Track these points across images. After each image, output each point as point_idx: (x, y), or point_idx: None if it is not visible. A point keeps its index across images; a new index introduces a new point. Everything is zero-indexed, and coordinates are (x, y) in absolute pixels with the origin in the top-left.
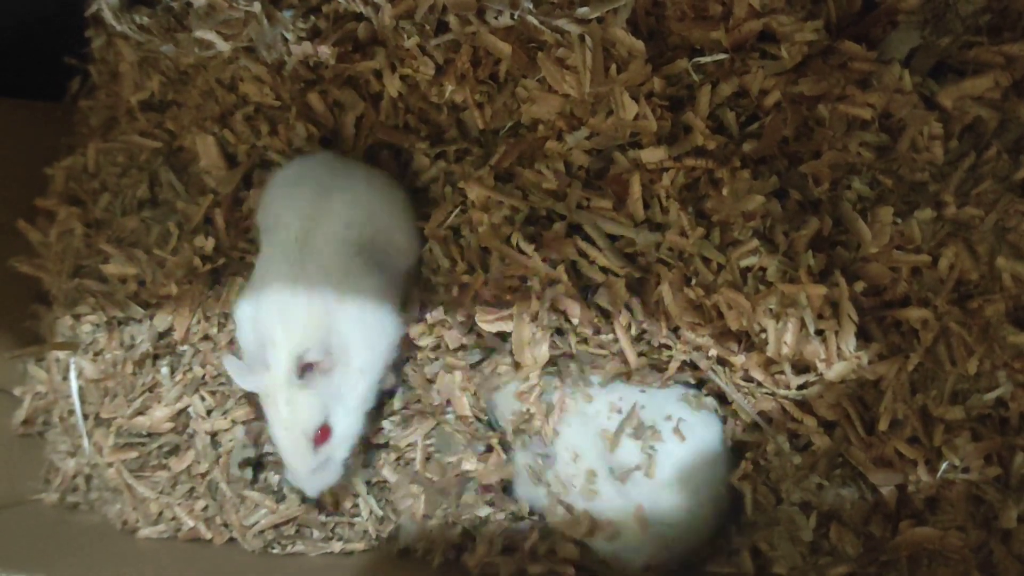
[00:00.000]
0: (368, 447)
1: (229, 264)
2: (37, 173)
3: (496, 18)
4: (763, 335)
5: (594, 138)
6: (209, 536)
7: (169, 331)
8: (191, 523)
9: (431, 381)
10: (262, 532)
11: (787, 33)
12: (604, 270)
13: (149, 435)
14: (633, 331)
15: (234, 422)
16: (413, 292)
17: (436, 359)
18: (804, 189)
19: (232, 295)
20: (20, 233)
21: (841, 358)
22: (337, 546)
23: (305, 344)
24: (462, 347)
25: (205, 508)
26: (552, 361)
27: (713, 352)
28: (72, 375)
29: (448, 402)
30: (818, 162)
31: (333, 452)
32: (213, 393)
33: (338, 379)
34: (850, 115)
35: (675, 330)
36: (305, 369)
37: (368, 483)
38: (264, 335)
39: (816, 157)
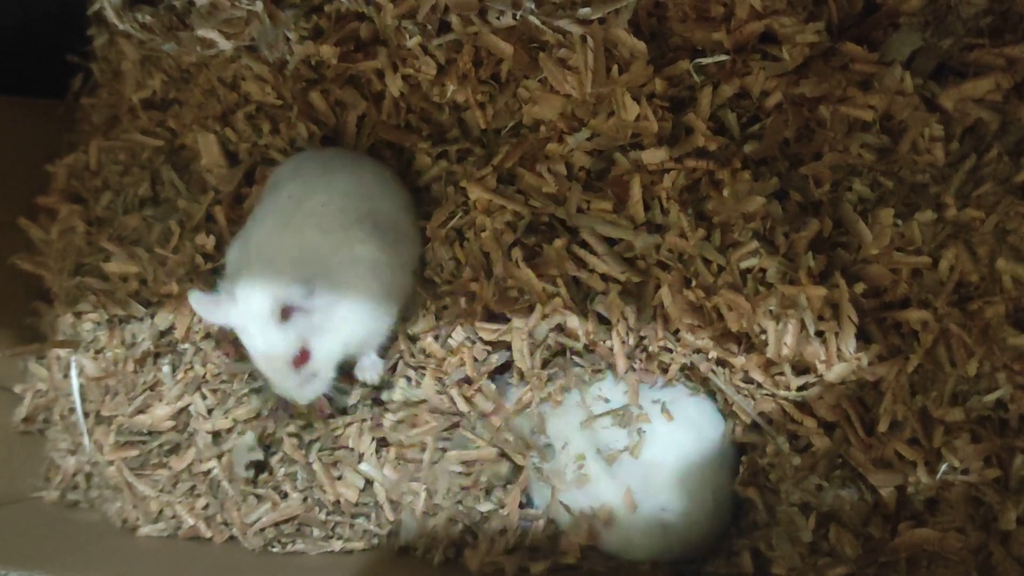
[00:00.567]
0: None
1: None
2: (39, 171)
3: (498, 18)
4: (763, 336)
5: (595, 139)
6: (209, 534)
7: (170, 329)
8: (191, 521)
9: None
10: (263, 530)
11: (788, 34)
12: (604, 278)
13: (150, 433)
14: (631, 340)
15: (235, 420)
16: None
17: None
18: (805, 190)
19: None
20: (21, 231)
21: (841, 359)
22: (337, 545)
23: (289, 293)
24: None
25: (206, 507)
26: (553, 363)
27: (713, 354)
28: (73, 373)
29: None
30: (819, 163)
31: (316, 369)
32: (214, 392)
33: (319, 319)
34: (851, 117)
35: (675, 333)
36: (287, 313)
37: (368, 482)
38: (248, 274)
39: (817, 158)
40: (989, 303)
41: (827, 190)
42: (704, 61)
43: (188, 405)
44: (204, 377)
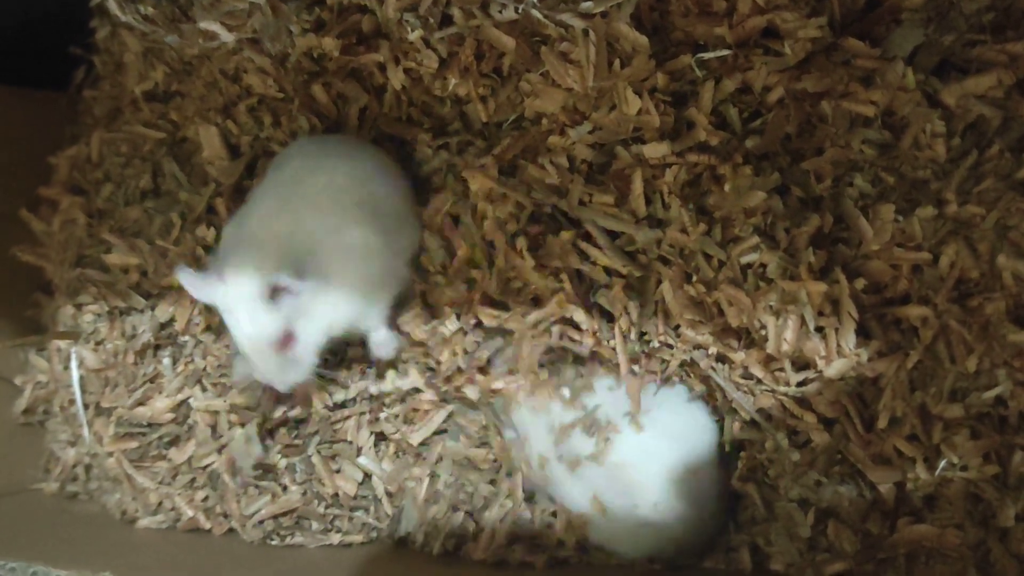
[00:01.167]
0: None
1: None
2: (41, 162)
3: (500, 12)
4: (763, 332)
5: (597, 132)
6: (208, 526)
7: (171, 322)
8: (190, 513)
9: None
10: (261, 523)
11: (791, 30)
12: (608, 271)
13: (149, 425)
14: (633, 334)
15: (234, 411)
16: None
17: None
18: (806, 186)
19: None
20: (23, 222)
21: (841, 355)
22: (336, 538)
23: (279, 274)
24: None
25: (205, 499)
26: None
27: (713, 350)
28: (73, 364)
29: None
30: (820, 159)
31: (298, 354)
32: (215, 384)
33: (307, 301)
34: (853, 112)
35: (675, 328)
36: (275, 292)
37: (367, 475)
38: (239, 254)
39: (818, 154)
40: (989, 299)
41: (828, 185)
42: (706, 56)
43: (188, 397)
44: (204, 369)
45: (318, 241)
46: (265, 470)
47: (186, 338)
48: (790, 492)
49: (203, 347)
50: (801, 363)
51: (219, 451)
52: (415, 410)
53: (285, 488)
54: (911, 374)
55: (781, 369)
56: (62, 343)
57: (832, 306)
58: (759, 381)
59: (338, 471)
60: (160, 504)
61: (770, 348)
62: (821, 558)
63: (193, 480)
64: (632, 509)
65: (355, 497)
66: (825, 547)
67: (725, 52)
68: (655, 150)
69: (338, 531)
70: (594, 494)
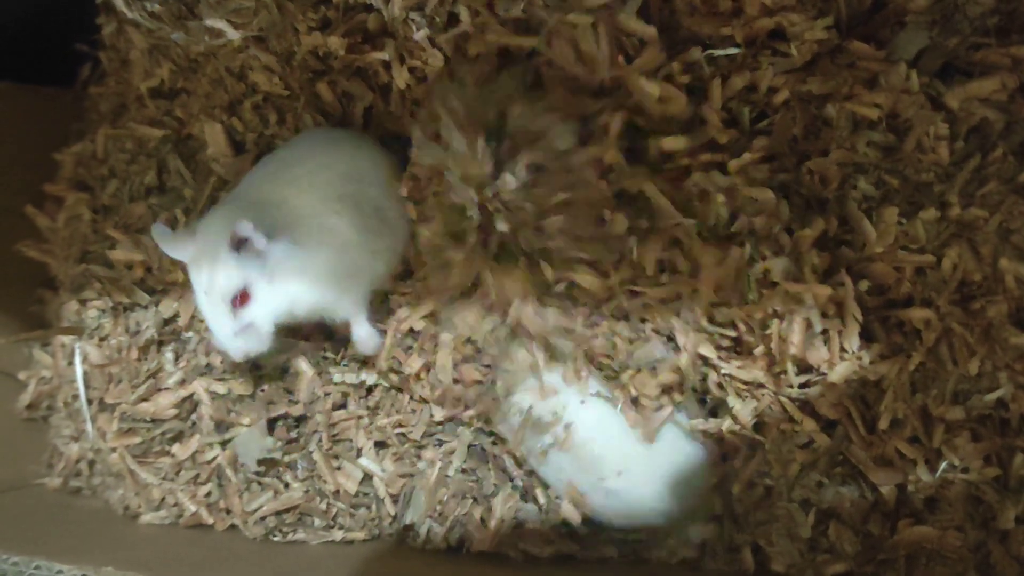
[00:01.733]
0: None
1: None
2: (46, 158)
3: (506, 10)
4: (767, 334)
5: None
6: (211, 521)
7: (174, 318)
8: (193, 509)
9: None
10: (264, 519)
11: (797, 32)
12: None
13: (153, 421)
14: None
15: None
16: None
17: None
18: (811, 188)
19: None
20: (28, 218)
21: (844, 358)
22: (338, 534)
23: (246, 226)
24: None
25: (208, 494)
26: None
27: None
28: (77, 360)
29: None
30: (825, 160)
31: (254, 318)
32: (218, 380)
33: (271, 263)
34: (857, 114)
35: None
36: (240, 244)
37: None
38: (214, 211)
39: (824, 156)
40: (991, 302)
41: (834, 188)
42: (716, 52)
43: (191, 394)
44: (207, 366)
45: (297, 217)
46: (268, 466)
47: (190, 334)
48: (792, 493)
49: (206, 343)
50: (804, 365)
51: (222, 447)
52: (404, 418)
53: (287, 485)
54: (913, 376)
55: (784, 372)
56: (66, 338)
57: (836, 308)
58: (760, 385)
59: (339, 468)
60: (163, 500)
61: (774, 350)
62: (822, 559)
63: (196, 476)
64: (600, 483)
65: (356, 494)
66: (826, 548)
67: (734, 50)
68: (675, 143)
69: (340, 528)
70: (568, 479)
